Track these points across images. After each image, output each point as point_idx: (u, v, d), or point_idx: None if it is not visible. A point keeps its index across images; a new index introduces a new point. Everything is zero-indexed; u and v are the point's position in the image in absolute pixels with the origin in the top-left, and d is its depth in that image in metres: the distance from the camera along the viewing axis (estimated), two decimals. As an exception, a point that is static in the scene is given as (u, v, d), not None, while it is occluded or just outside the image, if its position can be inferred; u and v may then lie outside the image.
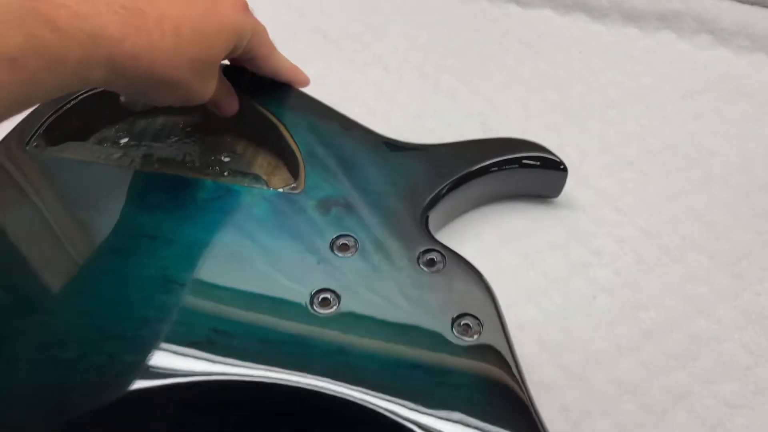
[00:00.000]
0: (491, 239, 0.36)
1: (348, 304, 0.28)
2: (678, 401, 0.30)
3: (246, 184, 0.33)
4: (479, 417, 0.25)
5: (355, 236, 0.31)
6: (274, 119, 0.35)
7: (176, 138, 0.37)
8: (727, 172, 0.39)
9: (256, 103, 0.36)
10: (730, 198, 0.37)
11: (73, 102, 0.38)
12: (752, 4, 0.47)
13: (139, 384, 0.26)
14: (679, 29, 0.47)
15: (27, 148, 0.36)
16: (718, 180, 0.38)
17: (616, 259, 0.35)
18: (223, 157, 0.36)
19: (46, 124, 0.37)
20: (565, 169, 0.34)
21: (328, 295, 0.28)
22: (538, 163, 0.34)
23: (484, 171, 0.34)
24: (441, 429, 0.25)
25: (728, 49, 0.46)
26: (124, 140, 0.37)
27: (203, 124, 0.38)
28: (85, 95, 0.38)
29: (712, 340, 0.32)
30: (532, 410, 0.25)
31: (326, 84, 0.43)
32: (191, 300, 0.28)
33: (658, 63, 0.45)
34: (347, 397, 0.25)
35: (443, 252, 0.30)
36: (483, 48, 0.46)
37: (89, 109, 0.38)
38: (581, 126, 0.41)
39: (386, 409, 0.25)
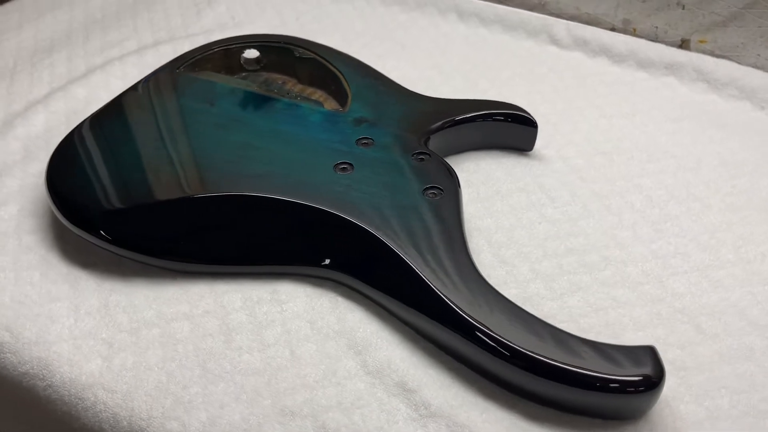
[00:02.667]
0: (477, 177, 0.48)
1: (358, 171, 0.42)
2: (577, 291, 0.40)
3: (308, 104, 0.49)
4: (433, 235, 0.38)
5: (373, 138, 0.45)
6: (335, 70, 0.52)
7: (273, 88, 0.54)
8: (678, 169, 0.49)
9: (323, 61, 0.53)
10: (674, 184, 0.47)
11: (209, 52, 0.56)
12: (747, 65, 0.57)
13: (206, 190, 0.41)
14: (681, 77, 0.58)
15: (176, 71, 0.54)
16: (669, 173, 0.48)
17: (566, 205, 0.46)
18: (296, 92, 0.52)
19: (191, 62, 0.55)
20: (535, 125, 0.47)
21: (346, 166, 0.43)
22: (517, 117, 0.49)
23: (473, 119, 0.47)
24: (404, 239, 0.38)
25: (719, 96, 0.56)
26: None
27: (291, 80, 0.55)
28: (218, 50, 0.56)
29: (620, 263, 0.42)
30: (462, 237, 0.38)
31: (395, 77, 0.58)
32: (259, 153, 0.44)
33: (656, 97, 0.56)
34: (340, 214, 0.39)
35: (431, 154, 0.44)
36: (517, 69, 0.60)
37: (219, 60, 0.56)
38: (574, 125, 0.53)
39: (367, 227, 0.38)
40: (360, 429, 0.33)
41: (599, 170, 0.49)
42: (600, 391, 0.31)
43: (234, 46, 0.57)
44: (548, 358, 0.32)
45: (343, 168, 0.43)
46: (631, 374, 0.32)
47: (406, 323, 0.37)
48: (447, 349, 0.36)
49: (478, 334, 0.33)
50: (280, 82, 0.55)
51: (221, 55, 0.56)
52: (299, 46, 0.56)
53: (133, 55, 0.61)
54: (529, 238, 0.43)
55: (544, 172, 0.49)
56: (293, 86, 0.55)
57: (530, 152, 0.50)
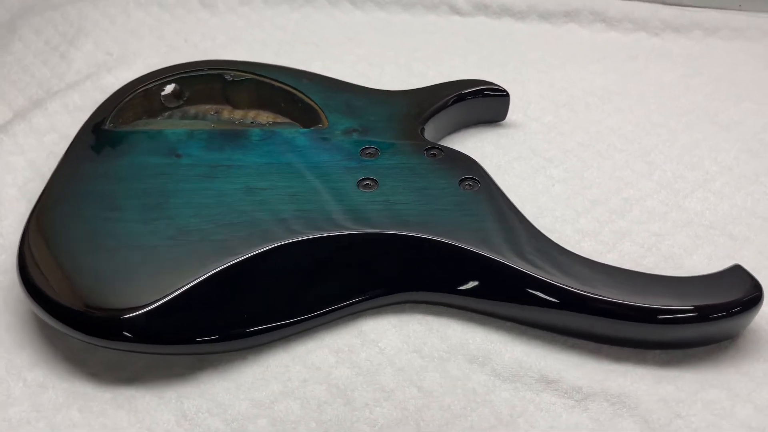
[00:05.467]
0: (474, 155, 0.48)
1: (384, 184, 0.40)
2: (623, 238, 0.42)
3: (284, 129, 0.45)
4: (498, 225, 0.38)
5: (375, 146, 0.42)
6: (283, 86, 0.48)
7: (209, 120, 0.48)
8: (630, 105, 0.53)
9: (264, 79, 0.49)
10: (635, 118, 0.51)
11: (128, 98, 0.48)
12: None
13: (247, 250, 0.36)
14: (580, 22, 0.62)
15: (104, 127, 0.45)
16: (626, 110, 0.52)
17: (565, 162, 0.48)
18: (256, 120, 0.47)
19: (113, 114, 0.47)
20: (507, 95, 0.49)
21: (369, 182, 0.40)
22: (492, 90, 0.49)
23: (461, 98, 0.48)
24: (477, 238, 0.36)
25: (617, 32, 0.62)
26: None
27: (225, 107, 0.49)
28: (139, 92, 0.49)
29: (639, 200, 0.45)
30: (523, 217, 0.38)
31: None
32: (272, 195, 0.39)
33: (569, 44, 0.60)
34: (401, 233, 0.37)
35: (440, 147, 0.43)
36: (437, 45, 0.60)
37: (140, 104, 0.48)
38: (522, 86, 0.55)
39: (439, 238, 0.36)
40: (533, 436, 0.32)
41: (570, 122, 0.51)
42: (725, 318, 0.34)
43: (152, 84, 0.49)
44: (676, 307, 0.33)
45: (367, 185, 0.40)
46: (742, 295, 0.34)
47: (510, 319, 0.37)
48: (562, 330, 0.36)
49: (605, 306, 0.34)
50: (212, 113, 0.49)
51: (141, 98, 0.49)
52: (228, 69, 0.51)
53: (17, 122, 0.50)
54: (554, 202, 0.44)
55: (526, 137, 0.50)
56: (230, 114, 0.49)
57: (503, 122, 0.51)
